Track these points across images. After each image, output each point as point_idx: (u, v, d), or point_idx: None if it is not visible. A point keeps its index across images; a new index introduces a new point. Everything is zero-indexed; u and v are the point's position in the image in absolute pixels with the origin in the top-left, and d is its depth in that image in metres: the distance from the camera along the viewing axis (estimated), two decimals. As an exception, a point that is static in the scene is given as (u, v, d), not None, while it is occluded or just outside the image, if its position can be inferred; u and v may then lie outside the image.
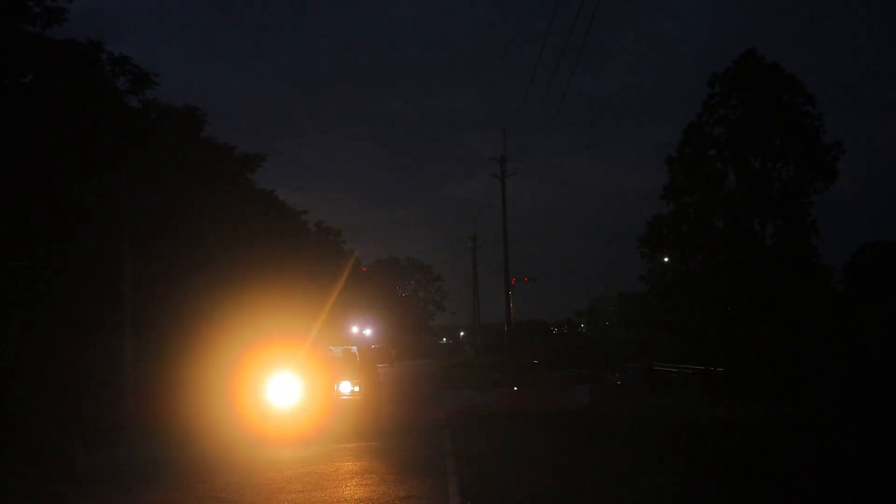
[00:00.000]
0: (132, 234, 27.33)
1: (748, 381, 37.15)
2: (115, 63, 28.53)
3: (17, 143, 24.17)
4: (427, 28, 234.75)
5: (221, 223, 33.68)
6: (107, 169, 26.95)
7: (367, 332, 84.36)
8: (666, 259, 59.10)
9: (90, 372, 26.19)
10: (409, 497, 13.87)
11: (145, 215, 28.54)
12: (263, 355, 22.10)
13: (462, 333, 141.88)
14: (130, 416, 25.32)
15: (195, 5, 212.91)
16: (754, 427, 23.48)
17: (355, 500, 13.87)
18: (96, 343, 26.96)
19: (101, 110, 26.86)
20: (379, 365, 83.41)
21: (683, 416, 27.15)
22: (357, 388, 22.69)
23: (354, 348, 24.83)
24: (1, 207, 23.95)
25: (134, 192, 27.55)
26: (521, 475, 15.34)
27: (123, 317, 26.91)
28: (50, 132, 24.97)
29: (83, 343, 26.49)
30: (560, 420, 26.01)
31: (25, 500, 14.85)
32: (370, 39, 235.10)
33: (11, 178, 23.94)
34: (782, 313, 46.96)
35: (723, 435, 21.82)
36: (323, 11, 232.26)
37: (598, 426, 24.24)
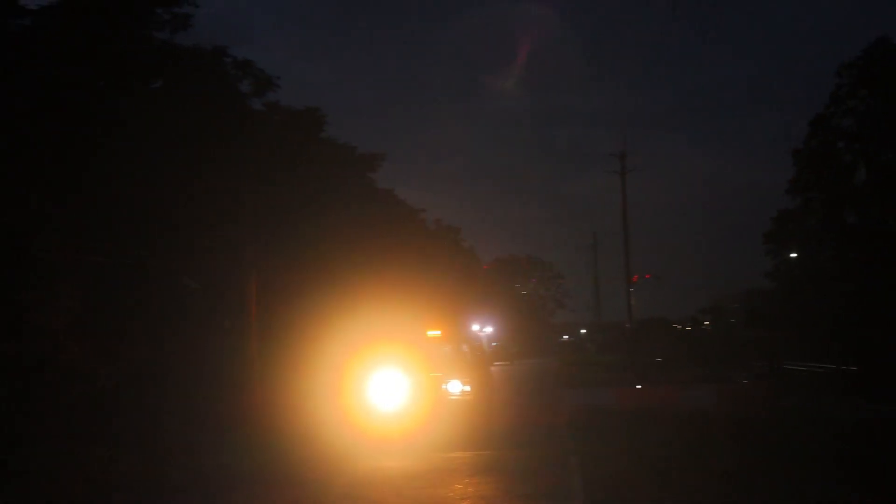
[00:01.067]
0: (255, 233, 27.91)
1: (882, 382, 35.89)
2: (238, 67, 29.32)
3: (147, 148, 24.99)
4: (544, 24, 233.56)
5: (342, 222, 34.19)
6: (231, 173, 27.64)
7: (488, 329, 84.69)
8: (793, 255, 57.57)
9: (216, 372, 26.86)
10: (531, 496, 13.74)
11: (267, 215, 29.11)
12: (372, 353, 20.95)
13: (583, 331, 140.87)
14: (250, 415, 25.63)
15: (312, 8, 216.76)
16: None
17: (478, 496, 13.88)
18: (223, 344, 27.61)
19: (225, 114, 27.61)
20: (499, 363, 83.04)
21: (815, 417, 26.38)
22: (468, 388, 20.96)
23: (465, 346, 23.03)
24: (133, 210, 24.81)
25: (256, 193, 28.14)
26: (650, 481, 14.91)
27: (248, 318, 27.44)
28: (177, 137, 25.77)
29: (213, 344, 27.20)
30: (686, 420, 25.49)
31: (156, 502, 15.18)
32: (486, 36, 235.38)
33: (142, 184, 24.75)
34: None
35: (865, 438, 21.04)
36: (437, 7, 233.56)
37: (724, 427, 23.71)
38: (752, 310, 74.05)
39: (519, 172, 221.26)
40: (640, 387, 38.00)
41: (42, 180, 22.28)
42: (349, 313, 27.06)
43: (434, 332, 21.84)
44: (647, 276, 69.32)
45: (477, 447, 19.45)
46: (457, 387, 20.84)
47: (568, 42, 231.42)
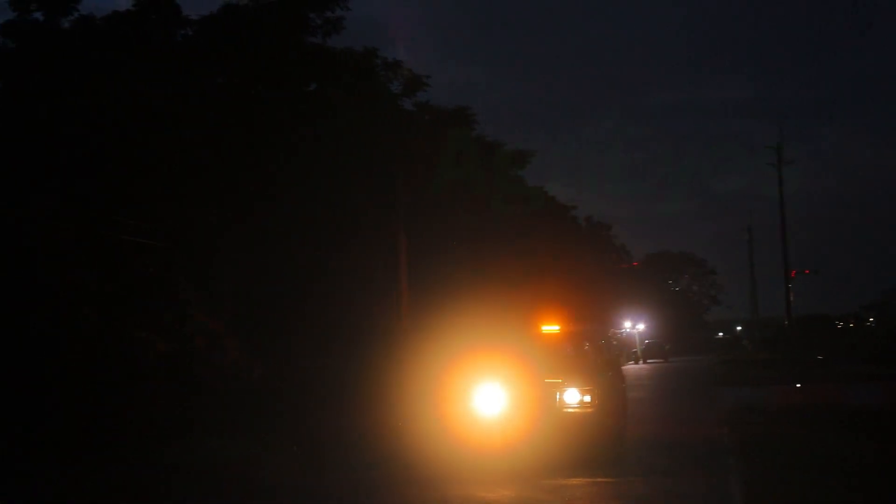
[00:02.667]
0: (408, 232, 28.06)
1: None
2: (388, 68, 29.83)
3: (302, 148, 25.60)
4: (697, 15, 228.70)
5: (492, 220, 34.20)
6: (384, 173, 27.99)
7: (640, 326, 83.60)
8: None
9: (364, 377, 27.08)
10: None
11: (417, 214, 29.20)
12: (485, 356, 18.18)
13: (739, 328, 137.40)
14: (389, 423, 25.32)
15: (462, 8, 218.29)
16: None
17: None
18: (374, 343, 27.72)
19: (378, 115, 28.07)
20: (652, 360, 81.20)
21: None
22: (587, 398, 17.26)
23: (587, 344, 19.46)
24: (287, 210, 25.42)
25: (408, 191, 28.31)
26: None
27: (400, 324, 27.46)
28: (331, 139, 26.33)
29: (363, 344, 27.43)
30: (859, 422, 24.16)
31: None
32: (638, 29, 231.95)
33: (296, 184, 25.36)
34: None
35: None
36: (589, 4, 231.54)
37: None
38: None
39: (673, 167, 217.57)
40: (799, 385, 36.74)
41: (198, 182, 23.13)
42: (487, 313, 25.70)
43: (551, 328, 18.73)
44: (805, 272, 66.92)
45: (598, 472, 16.24)
46: (574, 397, 17.40)
47: (723, 32, 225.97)
